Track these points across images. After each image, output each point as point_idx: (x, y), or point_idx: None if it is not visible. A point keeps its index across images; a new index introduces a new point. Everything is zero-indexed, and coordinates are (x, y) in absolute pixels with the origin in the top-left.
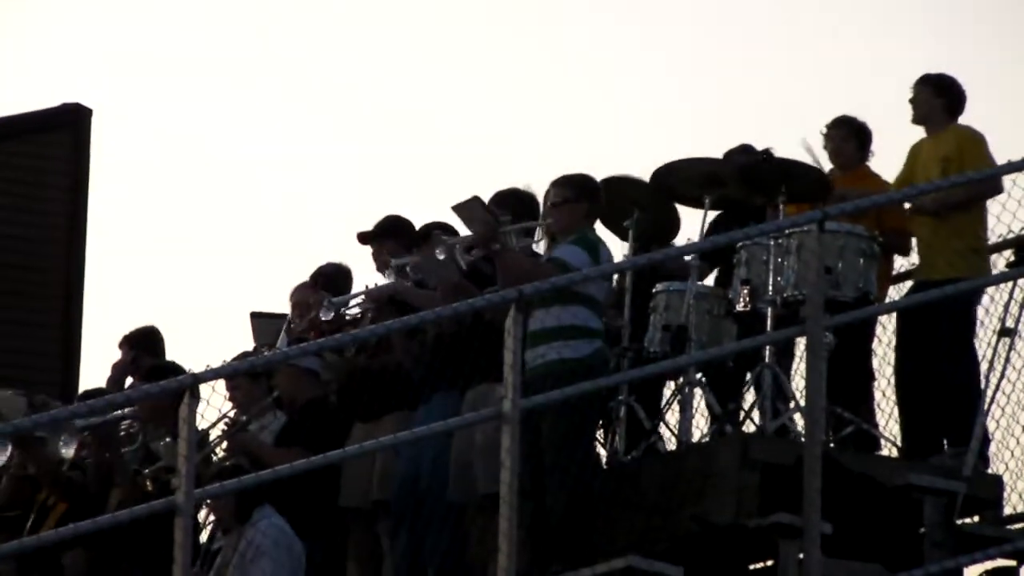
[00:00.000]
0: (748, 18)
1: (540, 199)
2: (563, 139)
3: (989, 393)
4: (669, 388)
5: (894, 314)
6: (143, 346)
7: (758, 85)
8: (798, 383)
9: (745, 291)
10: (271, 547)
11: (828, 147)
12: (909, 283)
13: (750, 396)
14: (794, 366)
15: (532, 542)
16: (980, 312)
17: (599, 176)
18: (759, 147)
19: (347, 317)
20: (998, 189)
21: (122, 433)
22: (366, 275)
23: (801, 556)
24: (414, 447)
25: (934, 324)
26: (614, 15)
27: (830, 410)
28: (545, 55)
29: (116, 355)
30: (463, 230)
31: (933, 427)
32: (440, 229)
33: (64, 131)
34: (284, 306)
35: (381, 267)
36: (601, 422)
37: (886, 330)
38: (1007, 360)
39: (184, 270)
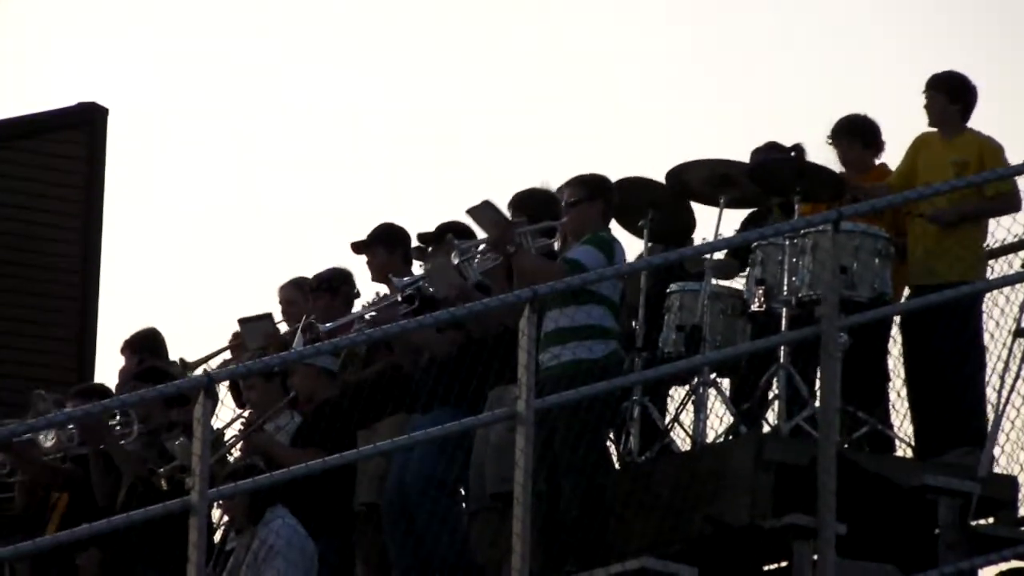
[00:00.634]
0: (772, 20)
1: (559, 196)
2: (575, 140)
3: (1004, 394)
4: (675, 389)
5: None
6: (147, 349)
7: (780, 87)
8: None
9: (760, 291)
10: (284, 547)
11: (837, 156)
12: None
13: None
14: None
15: (545, 543)
16: (996, 313)
17: (614, 177)
18: (787, 143)
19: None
20: (1018, 205)
21: (116, 427)
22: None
23: (815, 557)
24: (404, 454)
25: (938, 325)
26: (621, 15)
27: (845, 410)
28: (554, 55)
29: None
30: (479, 231)
31: (943, 429)
32: (453, 231)
33: (80, 130)
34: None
35: (376, 275)
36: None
37: (900, 330)
38: (1022, 361)
39: (200, 270)
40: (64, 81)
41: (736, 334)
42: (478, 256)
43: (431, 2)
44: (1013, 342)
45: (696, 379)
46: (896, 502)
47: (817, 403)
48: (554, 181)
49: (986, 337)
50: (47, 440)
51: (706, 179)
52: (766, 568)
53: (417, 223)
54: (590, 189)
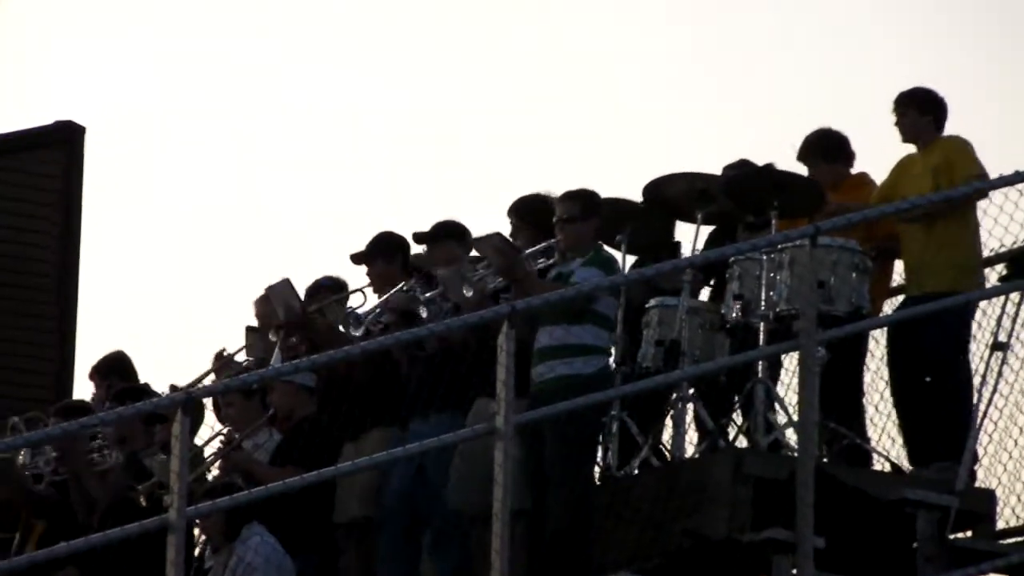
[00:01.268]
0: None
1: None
2: (575, 141)
3: (982, 407)
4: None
5: (886, 330)
6: (115, 372)
7: (780, 88)
8: (791, 398)
9: (738, 306)
10: (262, 564)
11: (808, 175)
12: (902, 297)
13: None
14: (786, 380)
15: (530, 557)
16: (973, 326)
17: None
18: (759, 161)
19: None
20: (983, 193)
21: (97, 448)
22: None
23: (794, 571)
24: (409, 463)
25: (923, 338)
26: (621, 15)
27: (823, 424)
28: (554, 55)
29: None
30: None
31: (928, 440)
32: (449, 230)
33: (57, 149)
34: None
35: (378, 286)
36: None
37: (879, 344)
38: (999, 374)
39: (178, 288)
40: (41, 100)
41: (715, 349)
42: (487, 279)
43: (431, 2)
44: (990, 355)
45: (675, 394)
46: (874, 516)
47: (795, 417)
48: (555, 189)
49: (969, 351)
50: (17, 456)
51: (684, 193)
52: None
53: (417, 223)
54: (585, 207)
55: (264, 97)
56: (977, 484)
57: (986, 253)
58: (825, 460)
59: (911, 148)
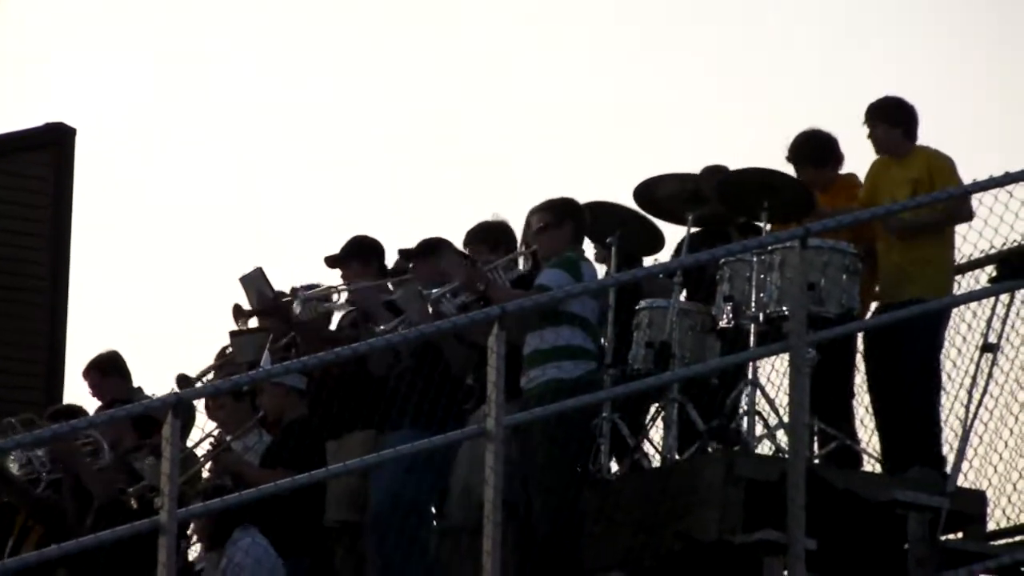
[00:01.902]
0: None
1: (511, 224)
2: (575, 142)
3: (972, 409)
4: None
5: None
6: (115, 371)
7: (778, 91)
8: (781, 399)
9: (728, 307)
10: (253, 566)
11: (797, 176)
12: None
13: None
14: (776, 381)
15: (519, 561)
16: (963, 328)
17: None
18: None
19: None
20: (968, 215)
21: (87, 448)
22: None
23: (786, 573)
24: (385, 471)
25: (898, 342)
26: (621, 15)
27: (813, 426)
28: (553, 57)
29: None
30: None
31: (903, 445)
32: (435, 246)
33: (48, 151)
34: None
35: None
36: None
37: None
38: (989, 376)
39: (168, 289)
40: (31, 102)
41: (705, 350)
42: (450, 298)
43: (430, 3)
44: (980, 357)
45: (665, 395)
46: (865, 517)
47: (786, 418)
48: (501, 212)
49: (953, 352)
50: (15, 466)
51: (675, 194)
52: None
53: (416, 225)
54: (557, 214)
55: (256, 99)
56: (968, 486)
57: (975, 255)
58: (816, 462)
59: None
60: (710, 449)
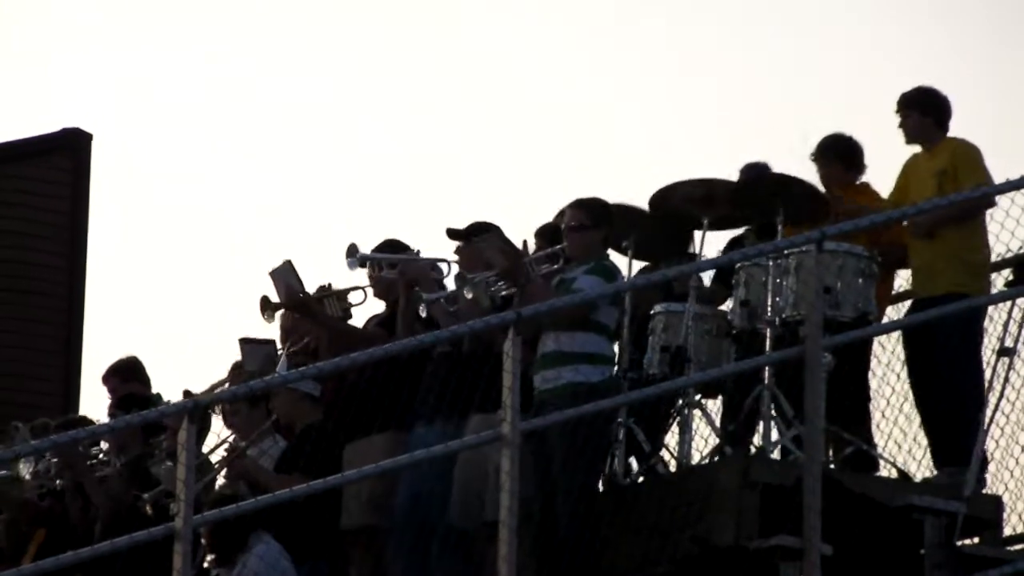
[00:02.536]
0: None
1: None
2: (573, 143)
3: (988, 413)
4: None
5: (894, 334)
6: (134, 376)
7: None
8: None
9: (744, 312)
10: (266, 571)
11: (819, 173)
12: (909, 302)
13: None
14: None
15: (538, 565)
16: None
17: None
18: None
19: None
20: (991, 202)
21: (98, 456)
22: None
23: None
24: (417, 469)
25: (935, 342)
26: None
27: (829, 431)
28: (553, 61)
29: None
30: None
31: (942, 443)
32: (483, 229)
33: (64, 156)
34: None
35: (379, 291)
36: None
37: (885, 350)
38: (1006, 380)
39: (184, 294)
40: (48, 107)
41: (721, 355)
42: (491, 284)
43: (434, 6)
44: (996, 361)
45: (681, 400)
46: (882, 522)
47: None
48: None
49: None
50: (26, 471)
51: (689, 199)
52: None
53: (428, 226)
54: (594, 215)
55: (271, 102)
56: (984, 490)
57: (993, 258)
58: (832, 466)
59: (915, 148)
60: (726, 454)
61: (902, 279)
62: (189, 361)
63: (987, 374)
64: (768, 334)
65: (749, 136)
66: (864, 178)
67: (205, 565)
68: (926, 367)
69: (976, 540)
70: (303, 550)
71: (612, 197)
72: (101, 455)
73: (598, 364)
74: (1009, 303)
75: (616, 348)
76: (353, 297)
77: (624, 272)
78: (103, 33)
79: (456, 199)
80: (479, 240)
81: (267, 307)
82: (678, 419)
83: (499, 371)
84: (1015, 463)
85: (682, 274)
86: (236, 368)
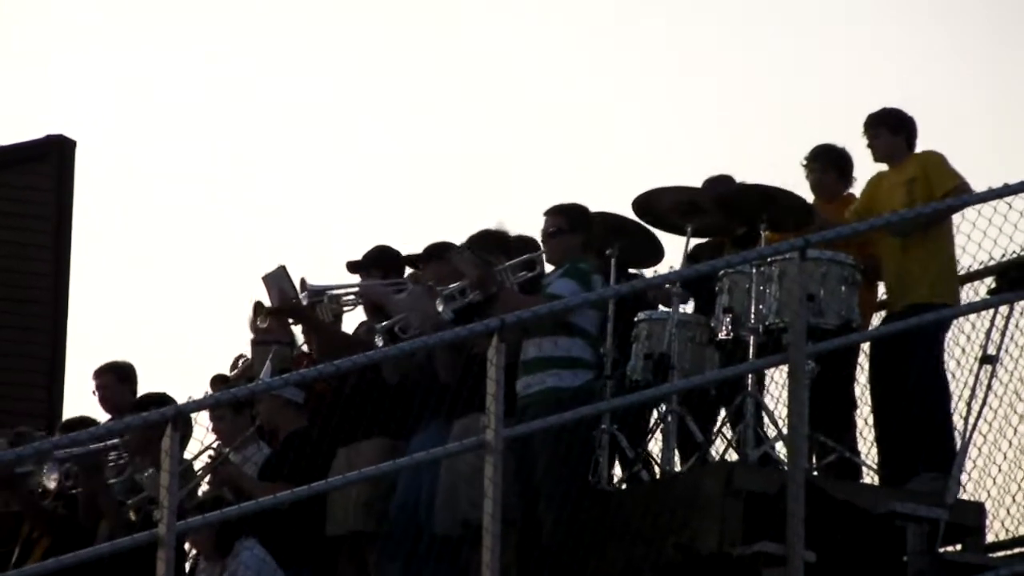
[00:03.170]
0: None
1: (511, 235)
2: (560, 162)
3: (971, 421)
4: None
5: (868, 345)
6: (129, 379)
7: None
8: (781, 411)
9: (727, 319)
10: None
11: (809, 179)
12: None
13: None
14: (776, 393)
15: (521, 571)
16: (962, 339)
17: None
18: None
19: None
20: (963, 203)
21: (111, 464)
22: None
23: None
24: (410, 475)
25: (904, 352)
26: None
27: (813, 438)
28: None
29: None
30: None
31: (908, 454)
32: (441, 251)
33: (48, 163)
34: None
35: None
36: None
37: (868, 357)
38: (989, 387)
39: (169, 299)
40: (32, 114)
41: (704, 362)
42: (459, 296)
43: (432, 7)
44: (979, 368)
45: (664, 407)
46: (864, 529)
47: (785, 430)
48: (509, 223)
49: (952, 364)
50: (50, 479)
51: (673, 206)
52: None
53: (417, 232)
54: (571, 220)
55: (255, 107)
56: (967, 497)
57: (974, 266)
58: (815, 473)
59: (882, 165)
60: (709, 460)
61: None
62: (173, 368)
63: (970, 382)
64: (752, 341)
65: (749, 136)
66: (852, 190)
67: (188, 569)
68: (894, 375)
69: (959, 547)
70: (287, 557)
71: (611, 198)
72: (114, 457)
73: (579, 368)
74: (992, 311)
75: (601, 352)
76: (345, 302)
77: (608, 279)
78: (87, 40)
79: (456, 200)
80: (450, 253)
81: (260, 312)
82: (661, 426)
83: (481, 377)
84: (997, 470)
85: (665, 281)
86: (236, 364)
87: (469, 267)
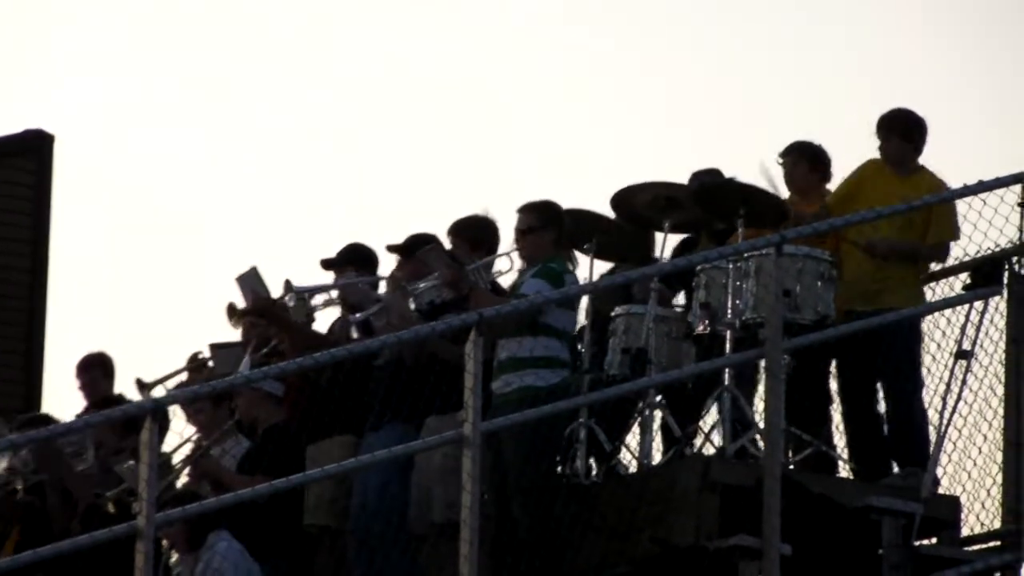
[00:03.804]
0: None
1: (499, 223)
2: (540, 158)
3: (946, 415)
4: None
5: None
6: (111, 373)
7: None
8: (757, 405)
9: (704, 314)
10: (231, 570)
11: (784, 173)
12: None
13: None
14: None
15: (496, 566)
16: (937, 335)
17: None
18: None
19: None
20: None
21: (69, 449)
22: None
23: None
24: (363, 475)
25: (877, 350)
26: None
27: (789, 432)
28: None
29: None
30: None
31: (883, 450)
32: (423, 243)
33: (27, 157)
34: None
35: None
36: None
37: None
38: (964, 382)
39: (146, 296)
40: (10, 108)
41: (681, 356)
42: (431, 293)
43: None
44: (954, 364)
45: (641, 401)
46: (840, 523)
47: (761, 424)
48: (492, 208)
49: (927, 359)
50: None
51: (651, 202)
52: None
53: (384, 237)
54: (543, 217)
55: (234, 102)
56: (942, 491)
57: (951, 262)
58: (791, 467)
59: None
60: (686, 455)
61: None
62: (152, 362)
63: (945, 377)
64: (728, 336)
65: (746, 137)
66: (828, 186)
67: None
68: (866, 374)
69: (934, 541)
70: (264, 549)
71: (589, 194)
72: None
73: (552, 368)
74: (966, 306)
75: (578, 348)
76: (316, 302)
77: (585, 275)
78: (66, 33)
79: (441, 193)
80: (423, 251)
81: (233, 313)
82: (639, 420)
83: (449, 375)
84: (972, 464)
85: (644, 276)
86: (194, 359)
87: (441, 265)
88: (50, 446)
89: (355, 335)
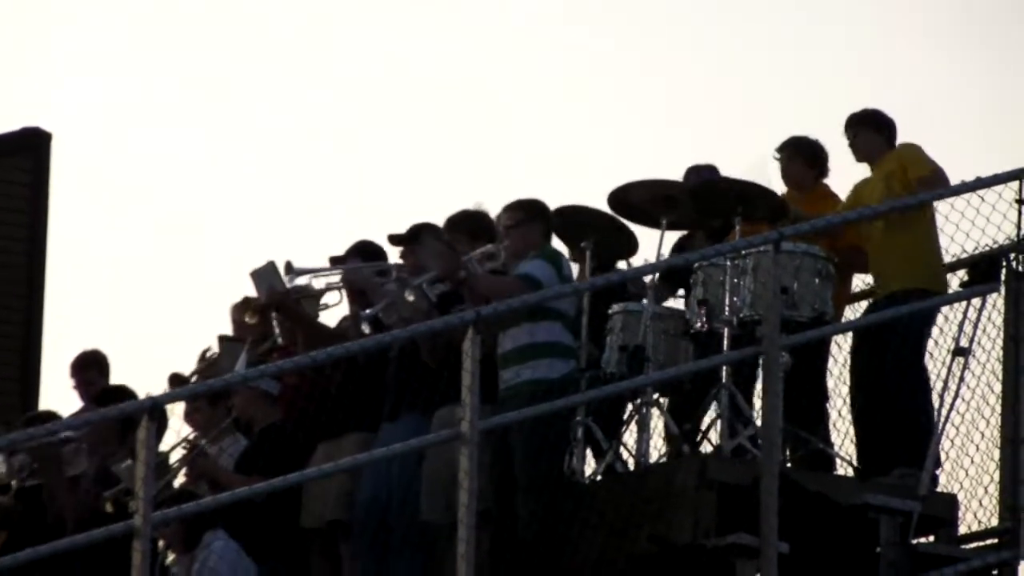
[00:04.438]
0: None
1: (493, 216)
2: (535, 157)
3: (944, 413)
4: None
5: (850, 334)
6: (107, 372)
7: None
8: (755, 403)
9: (702, 311)
10: (227, 570)
11: (780, 168)
12: (866, 303)
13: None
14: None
15: (496, 564)
16: (934, 332)
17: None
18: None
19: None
20: (945, 182)
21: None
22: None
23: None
24: (379, 468)
25: (886, 343)
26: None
27: (787, 430)
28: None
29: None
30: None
31: (886, 447)
32: (425, 232)
33: (24, 155)
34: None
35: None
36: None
37: (841, 350)
38: (961, 380)
39: (145, 293)
40: (7, 106)
41: (679, 354)
42: (429, 285)
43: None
44: (952, 361)
45: (639, 399)
46: (838, 521)
47: (759, 422)
48: (487, 203)
49: (925, 356)
50: None
51: (648, 200)
52: None
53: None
54: (528, 211)
55: (234, 102)
56: (939, 489)
57: (948, 259)
58: (789, 465)
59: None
60: (684, 452)
61: (859, 280)
62: (149, 361)
63: (943, 374)
64: (726, 333)
65: (745, 136)
66: (825, 181)
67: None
68: (875, 369)
69: (931, 538)
70: (260, 550)
71: (586, 192)
72: (72, 448)
73: (558, 357)
74: (964, 303)
75: (577, 340)
76: (328, 298)
77: (583, 272)
78: (63, 32)
79: (436, 192)
80: (416, 246)
81: (248, 307)
82: (636, 418)
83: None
84: (970, 462)
85: (641, 274)
86: (204, 357)
87: (433, 259)
88: (46, 450)
89: (366, 330)
